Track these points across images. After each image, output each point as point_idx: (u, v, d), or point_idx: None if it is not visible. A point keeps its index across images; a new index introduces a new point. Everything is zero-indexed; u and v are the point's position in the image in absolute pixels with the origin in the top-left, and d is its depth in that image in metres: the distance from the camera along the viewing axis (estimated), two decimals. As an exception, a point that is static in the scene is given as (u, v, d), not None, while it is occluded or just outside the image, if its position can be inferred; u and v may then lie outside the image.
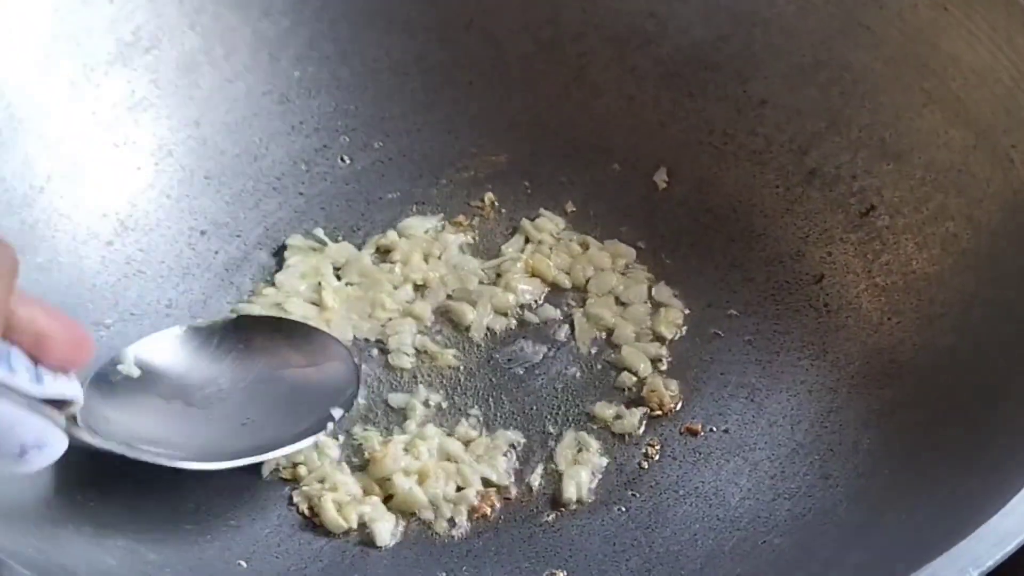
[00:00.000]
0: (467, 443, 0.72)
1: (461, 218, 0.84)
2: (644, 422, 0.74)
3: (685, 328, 0.78)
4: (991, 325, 0.69)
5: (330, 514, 0.68)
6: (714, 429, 0.73)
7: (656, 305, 0.79)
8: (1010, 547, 0.51)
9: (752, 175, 0.84)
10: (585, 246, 0.82)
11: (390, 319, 0.78)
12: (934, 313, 0.73)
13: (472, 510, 0.69)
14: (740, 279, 0.80)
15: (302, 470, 0.70)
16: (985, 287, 0.71)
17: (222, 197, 0.83)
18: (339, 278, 0.80)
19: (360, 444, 0.72)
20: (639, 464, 0.72)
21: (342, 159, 0.86)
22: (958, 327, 0.71)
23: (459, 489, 0.70)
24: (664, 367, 0.76)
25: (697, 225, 0.83)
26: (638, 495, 0.71)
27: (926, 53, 0.78)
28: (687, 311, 0.79)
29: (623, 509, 0.70)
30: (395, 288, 0.79)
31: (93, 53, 0.80)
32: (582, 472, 0.71)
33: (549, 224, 0.83)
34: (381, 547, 0.68)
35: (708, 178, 0.85)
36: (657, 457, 0.72)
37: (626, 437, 0.73)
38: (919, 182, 0.77)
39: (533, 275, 0.81)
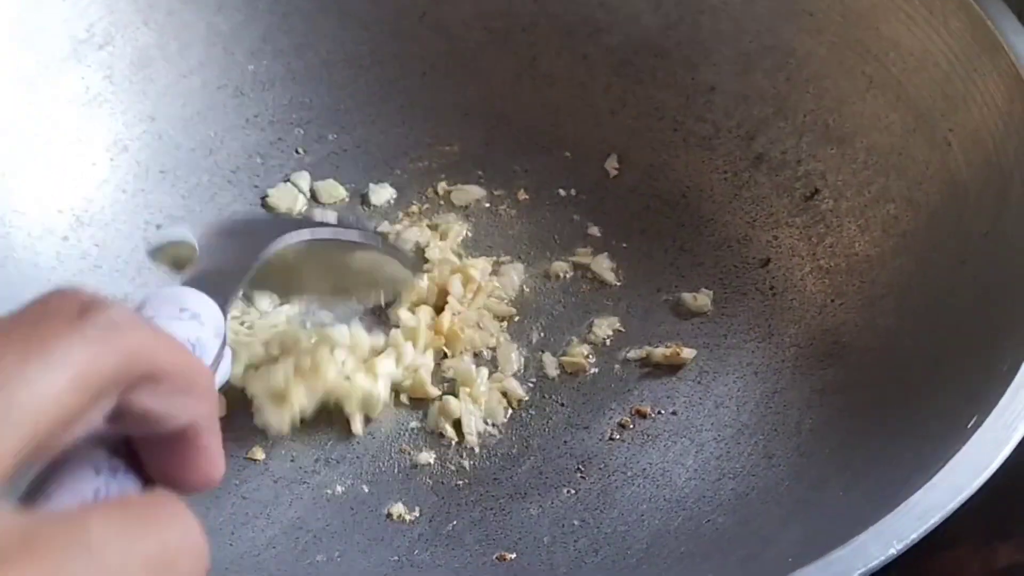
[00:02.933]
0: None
1: (414, 207, 0.85)
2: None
3: (634, 312, 0.79)
4: (928, 306, 0.71)
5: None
6: (662, 411, 0.75)
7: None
8: (933, 521, 0.53)
9: (701, 161, 0.85)
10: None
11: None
12: (875, 294, 0.75)
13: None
14: (689, 263, 0.82)
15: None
16: (924, 268, 0.73)
17: (177, 191, 0.84)
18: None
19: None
20: (589, 447, 0.73)
21: (297, 151, 0.87)
22: (898, 308, 0.73)
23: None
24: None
25: (647, 211, 0.84)
26: (587, 477, 0.72)
27: (868, 37, 0.79)
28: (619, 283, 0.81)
29: (572, 491, 0.71)
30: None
31: (46, 50, 0.81)
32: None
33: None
34: (333, 532, 0.69)
35: (658, 164, 0.86)
36: (605, 440, 0.73)
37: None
38: (861, 165, 0.79)
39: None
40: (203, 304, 0.52)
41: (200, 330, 0.51)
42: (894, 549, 0.52)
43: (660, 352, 0.76)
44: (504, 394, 0.76)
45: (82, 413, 0.31)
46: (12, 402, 0.29)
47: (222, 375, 0.54)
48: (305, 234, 0.66)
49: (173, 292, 0.52)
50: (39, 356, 0.31)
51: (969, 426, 0.57)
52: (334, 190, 0.86)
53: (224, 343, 0.53)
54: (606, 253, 0.82)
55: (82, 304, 0.33)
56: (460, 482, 0.72)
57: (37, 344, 0.32)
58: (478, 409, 0.74)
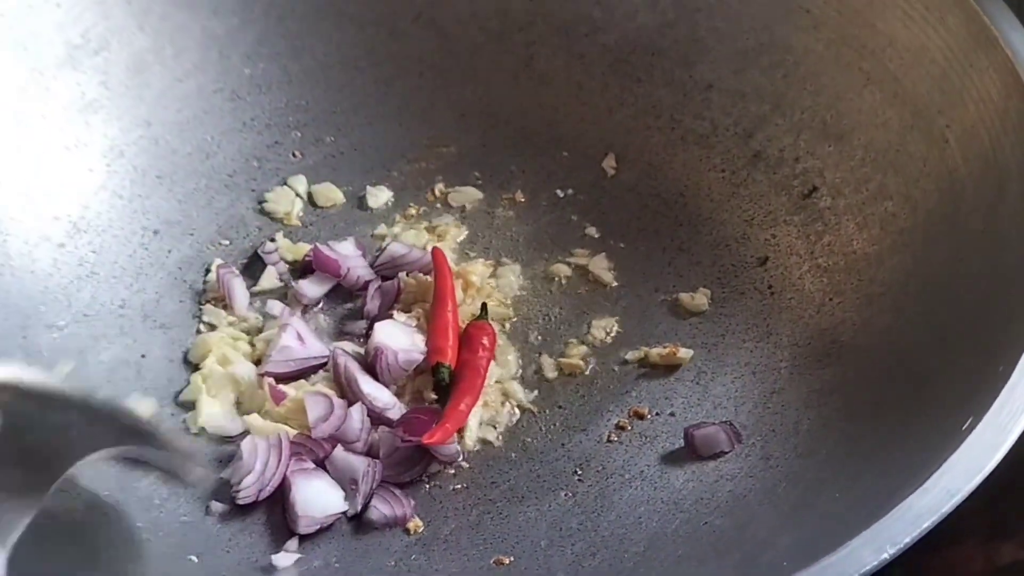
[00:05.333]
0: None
1: (412, 209, 0.85)
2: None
3: (632, 312, 0.79)
4: (926, 304, 0.70)
5: None
6: (660, 413, 0.74)
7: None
8: (926, 525, 0.52)
9: (699, 159, 0.85)
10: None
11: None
12: (873, 292, 0.74)
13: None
14: (687, 263, 0.81)
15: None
16: (921, 266, 0.72)
17: (174, 196, 0.84)
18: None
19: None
20: (586, 449, 0.73)
21: (294, 154, 0.87)
22: (896, 306, 0.72)
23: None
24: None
25: (645, 210, 0.84)
26: (584, 480, 0.72)
27: (864, 34, 0.78)
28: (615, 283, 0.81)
29: (570, 494, 0.71)
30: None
31: (41, 57, 0.81)
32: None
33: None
34: (330, 537, 0.69)
35: (656, 163, 0.86)
36: (603, 441, 0.73)
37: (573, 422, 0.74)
38: (859, 163, 0.78)
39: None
40: None
41: None
42: (887, 554, 0.52)
43: (657, 352, 0.76)
44: (505, 396, 0.75)
45: None
46: None
47: None
48: (103, 453, 0.61)
49: None
50: None
51: (964, 428, 0.56)
52: (331, 193, 0.86)
53: None
54: (604, 253, 0.82)
55: None
56: (457, 486, 0.71)
57: None
58: (484, 411, 0.74)
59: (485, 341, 0.75)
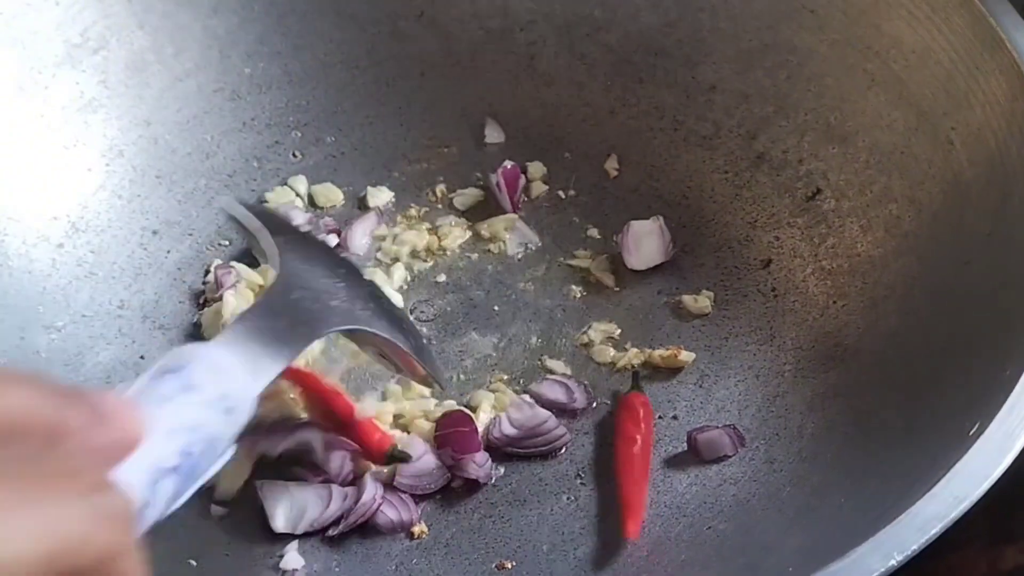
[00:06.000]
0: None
1: (413, 210, 0.85)
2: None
3: (634, 314, 0.79)
4: (931, 307, 0.70)
5: None
6: (663, 416, 0.74)
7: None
8: (934, 531, 0.52)
9: (702, 161, 0.84)
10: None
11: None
12: (878, 296, 0.74)
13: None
14: (690, 265, 0.81)
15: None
16: (926, 269, 0.72)
17: (174, 196, 0.83)
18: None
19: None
20: (588, 452, 0.72)
21: (294, 155, 0.87)
22: (901, 309, 0.72)
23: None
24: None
25: (648, 212, 0.83)
26: (587, 484, 0.71)
27: (869, 35, 0.78)
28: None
29: (572, 498, 0.70)
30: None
31: (40, 55, 0.80)
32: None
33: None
34: (331, 540, 0.68)
35: (659, 164, 0.85)
36: (605, 445, 0.73)
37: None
38: (863, 165, 0.78)
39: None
40: (234, 383, 0.46)
41: (227, 427, 0.45)
42: (894, 560, 0.51)
43: (659, 354, 0.75)
44: (506, 399, 0.75)
45: None
46: None
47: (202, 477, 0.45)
48: (368, 327, 0.63)
49: (211, 359, 0.46)
50: None
51: (971, 433, 0.56)
52: (331, 194, 0.85)
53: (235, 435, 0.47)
54: (605, 255, 0.81)
55: None
56: (459, 488, 0.71)
57: None
58: (484, 415, 0.74)
59: (643, 413, 0.72)
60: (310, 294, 0.61)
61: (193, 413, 0.43)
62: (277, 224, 0.68)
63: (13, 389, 0.31)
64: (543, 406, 0.73)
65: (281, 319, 0.56)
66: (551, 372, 0.76)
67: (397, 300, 0.71)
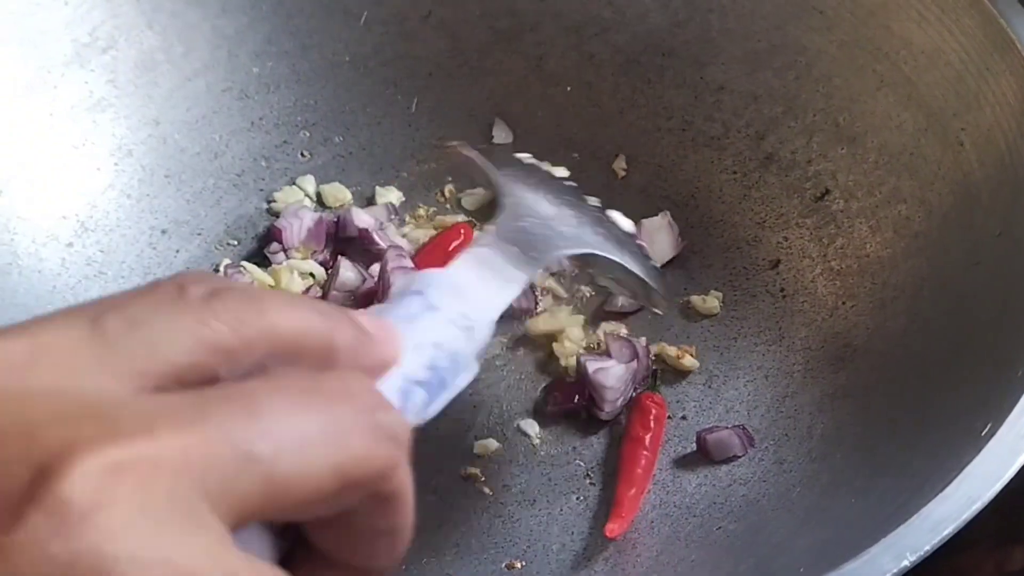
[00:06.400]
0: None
1: (421, 211, 0.85)
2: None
3: (642, 315, 0.79)
4: (941, 309, 0.70)
5: None
6: (672, 416, 0.74)
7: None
8: (946, 532, 0.52)
9: (710, 161, 0.84)
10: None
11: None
12: (887, 296, 0.74)
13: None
14: (698, 265, 0.81)
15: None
16: (936, 269, 0.72)
17: (183, 195, 0.83)
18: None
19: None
20: (598, 452, 0.72)
21: (302, 154, 0.87)
22: (910, 311, 0.72)
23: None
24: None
25: (656, 212, 0.83)
26: (596, 484, 0.71)
27: (879, 35, 0.78)
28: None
29: (581, 498, 0.71)
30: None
31: (49, 55, 0.80)
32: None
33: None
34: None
35: (667, 165, 0.85)
36: (615, 445, 0.73)
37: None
38: (872, 165, 0.78)
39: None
40: (473, 304, 0.47)
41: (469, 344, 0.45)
42: (907, 561, 0.51)
43: (667, 355, 0.76)
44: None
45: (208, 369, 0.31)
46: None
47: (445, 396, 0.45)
48: (598, 250, 0.64)
49: (451, 281, 0.47)
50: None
51: (983, 434, 0.56)
52: (339, 193, 0.85)
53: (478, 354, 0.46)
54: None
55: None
56: (468, 490, 0.71)
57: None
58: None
59: (654, 414, 0.72)
60: (539, 220, 0.61)
61: (438, 330, 0.44)
62: (504, 162, 0.68)
63: (287, 310, 0.32)
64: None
65: (513, 245, 0.56)
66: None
67: (626, 225, 0.70)
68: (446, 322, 0.44)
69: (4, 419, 0.26)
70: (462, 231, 0.81)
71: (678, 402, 0.75)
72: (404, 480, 0.32)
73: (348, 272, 0.79)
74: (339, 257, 0.80)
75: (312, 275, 0.80)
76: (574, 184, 0.67)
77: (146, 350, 0.29)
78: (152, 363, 0.29)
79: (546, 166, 0.70)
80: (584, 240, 0.63)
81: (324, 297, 0.79)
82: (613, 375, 0.72)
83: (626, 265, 0.65)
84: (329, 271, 0.80)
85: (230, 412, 0.28)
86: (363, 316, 0.37)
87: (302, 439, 0.29)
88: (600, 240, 0.64)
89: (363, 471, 0.30)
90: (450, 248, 0.80)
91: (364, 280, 0.79)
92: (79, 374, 0.28)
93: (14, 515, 0.24)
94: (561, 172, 0.81)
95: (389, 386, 0.38)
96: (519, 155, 0.68)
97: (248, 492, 0.28)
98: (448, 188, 0.86)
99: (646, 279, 0.66)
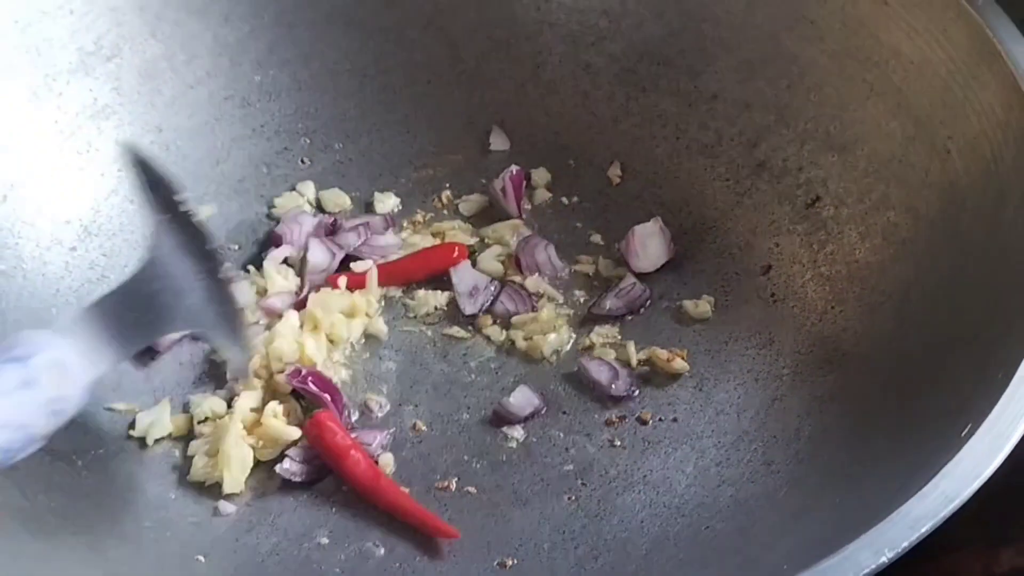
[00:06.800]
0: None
1: (419, 216, 0.86)
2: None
3: (635, 318, 0.80)
4: (926, 313, 0.71)
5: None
6: (663, 418, 0.75)
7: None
8: (924, 529, 0.53)
9: (703, 168, 0.86)
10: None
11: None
12: (875, 301, 0.75)
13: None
14: (691, 270, 0.82)
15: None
16: (923, 275, 0.73)
17: (185, 201, 0.84)
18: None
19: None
20: (589, 454, 0.74)
21: (303, 161, 0.88)
22: (897, 315, 0.73)
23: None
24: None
25: (650, 218, 0.85)
26: (588, 484, 0.72)
27: (869, 46, 0.79)
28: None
29: (573, 498, 0.72)
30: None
31: (54, 63, 0.82)
32: None
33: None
34: (336, 539, 0.70)
35: (661, 172, 0.87)
36: (607, 446, 0.74)
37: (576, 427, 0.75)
38: (862, 173, 0.79)
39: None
40: (70, 384, 0.46)
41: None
42: (885, 557, 0.52)
43: (658, 358, 0.77)
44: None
45: None
46: None
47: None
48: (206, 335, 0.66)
49: (56, 354, 0.46)
50: None
51: (963, 434, 0.57)
52: (339, 199, 0.87)
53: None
54: (609, 260, 0.83)
55: None
56: (461, 489, 0.72)
57: None
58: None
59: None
60: (171, 288, 0.62)
61: (27, 412, 0.43)
62: (164, 199, 0.67)
63: None
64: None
65: (133, 311, 0.57)
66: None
67: (245, 299, 0.74)
68: (37, 405, 0.44)
69: None
70: (456, 251, 0.82)
71: (669, 405, 0.76)
72: None
73: (317, 253, 0.81)
74: (308, 239, 0.82)
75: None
76: (215, 247, 0.66)
77: None
78: None
79: (202, 211, 0.70)
80: (200, 321, 0.64)
81: (301, 282, 0.81)
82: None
83: (225, 349, 0.67)
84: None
85: None
86: None
87: None
88: (213, 322, 0.65)
89: None
90: (437, 267, 0.82)
91: (334, 255, 0.82)
92: None
93: None
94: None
95: None
96: (179, 197, 0.67)
97: None
98: (445, 194, 0.87)
99: (237, 361, 0.69)
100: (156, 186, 0.66)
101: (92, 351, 0.50)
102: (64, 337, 0.48)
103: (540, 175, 0.87)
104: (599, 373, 0.76)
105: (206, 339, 0.64)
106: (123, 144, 0.69)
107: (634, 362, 0.77)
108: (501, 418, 0.75)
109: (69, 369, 0.46)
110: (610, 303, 0.80)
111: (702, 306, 0.80)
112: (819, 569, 0.52)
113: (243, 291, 0.69)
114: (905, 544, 0.53)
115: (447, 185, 0.88)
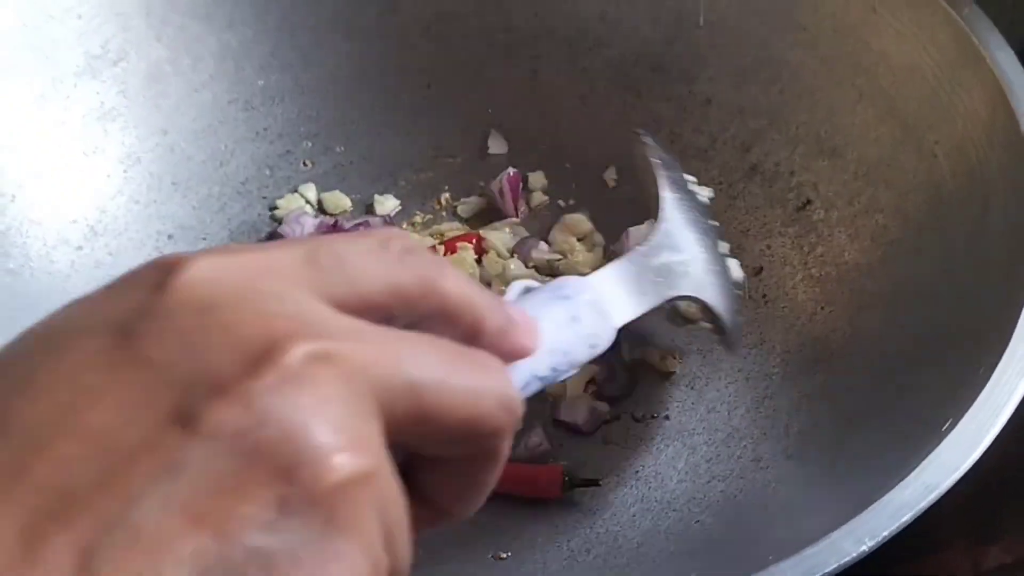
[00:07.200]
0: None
1: (417, 217, 0.88)
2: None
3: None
4: (913, 312, 0.72)
5: None
6: (655, 416, 0.77)
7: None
8: (905, 519, 0.54)
9: (697, 172, 0.86)
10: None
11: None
12: (863, 303, 0.76)
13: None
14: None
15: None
16: (910, 276, 0.74)
17: (189, 202, 0.86)
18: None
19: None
20: (583, 450, 0.75)
21: (304, 163, 0.90)
22: (885, 315, 0.75)
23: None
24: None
25: (644, 221, 0.86)
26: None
27: (859, 51, 0.80)
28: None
29: (566, 492, 0.73)
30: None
31: (61, 66, 0.83)
32: None
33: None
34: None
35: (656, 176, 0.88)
36: (600, 443, 0.75)
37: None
38: (852, 176, 0.80)
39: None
40: (606, 321, 0.50)
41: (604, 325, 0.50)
42: (866, 546, 0.53)
43: (651, 358, 0.78)
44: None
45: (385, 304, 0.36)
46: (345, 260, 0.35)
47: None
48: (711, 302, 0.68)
49: (597, 295, 0.50)
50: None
51: (944, 428, 0.58)
52: (340, 201, 0.88)
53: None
54: (605, 262, 0.84)
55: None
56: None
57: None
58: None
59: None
60: (680, 259, 0.66)
61: (571, 342, 0.48)
62: (674, 181, 0.73)
63: (460, 282, 0.38)
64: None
65: (650, 273, 0.61)
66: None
67: (737, 275, 0.73)
68: (580, 337, 0.49)
69: (248, 307, 0.32)
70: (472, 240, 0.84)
71: (661, 403, 0.77)
72: (506, 447, 0.38)
73: None
74: None
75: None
76: (717, 224, 0.71)
77: (347, 281, 0.35)
78: (350, 293, 0.35)
79: (704, 192, 0.74)
80: (706, 290, 0.67)
81: None
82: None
83: (723, 318, 0.69)
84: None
85: (405, 348, 0.34)
86: (516, 309, 0.42)
87: (451, 387, 0.35)
88: (717, 293, 0.68)
89: (485, 426, 0.36)
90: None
91: None
92: (296, 287, 0.34)
93: (253, 369, 0.30)
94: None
95: (517, 374, 0.43)
96: (688, 176, 0.73)
97: (402, 411, 0.33)
98: (444, 196, 0.89)
99: (731, 329, 0.70)
100: (669, 166, 0.73)
101: (620, 298, 0.55)
102: (604, 282, 0.53)
103: (536, 178, 0.89)
104: (576, 416, 0.77)
105: (706, 306, 0.68)
106: (635, 132, 0.75)
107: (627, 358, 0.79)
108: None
109: (605, 310, 0.51)
110: None
111: (694, 306, 0.81)
112: (801, 557, 0.53)
113: (735, 268, 0.71)
114: (886, 533, 0.54)
115: (446, 187, 0.90)
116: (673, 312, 0.82)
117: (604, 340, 0.51)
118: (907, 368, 0.69)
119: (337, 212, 0.88)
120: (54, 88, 0.83)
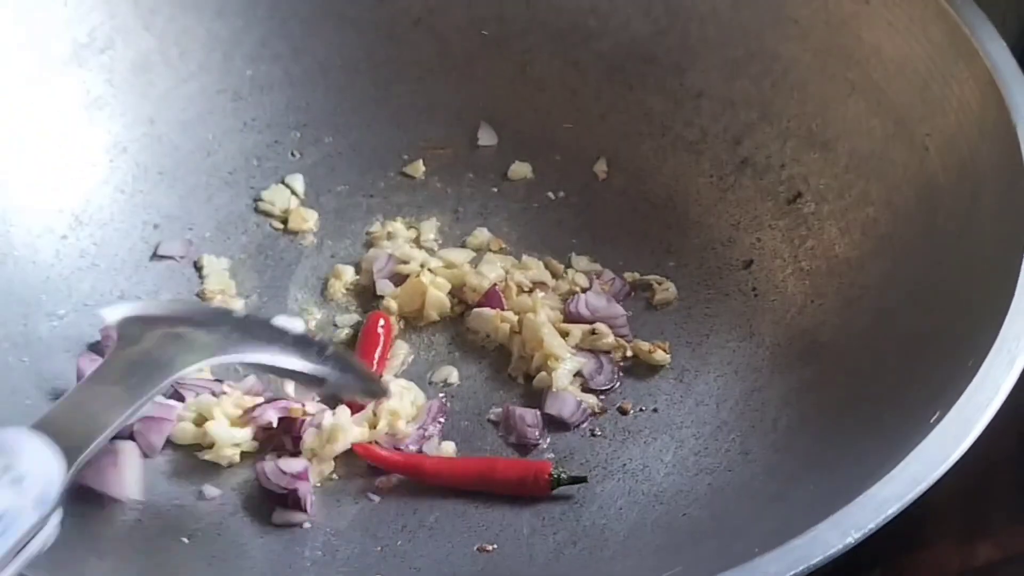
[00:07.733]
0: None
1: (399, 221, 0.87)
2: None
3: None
4: (903, 306, 0.72)
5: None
6: (643, 409, 0.76)
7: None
8: (890, 511, 0.54)
9: (688, 165, 0.87)
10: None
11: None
12: (853, 295, 0.76)
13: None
14: (674, 265, 0.83)
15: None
16: (900, 269, 0.74)
17: (175, 192, 0.86)
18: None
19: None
20: (571, 442, 0.75)
21: (293, 154, 0.89)
22: (874, 308, 0.74)
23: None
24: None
25: (635, 214, 0.86)
26: (568, 472, 0.73)
27: (850, 44, 0.80)
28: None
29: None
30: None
31: (48, 54, 0.83)
32: None
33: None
34: (318, 524, 0.70)
35: (646, 168, 0.88)
36: (587, 436, 0.75)
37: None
38: (843, 169, 0.80)
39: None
40: (37, 460, 0.49)
41: (16, 498, 0.48)
42: (851, 538, 0.53)
43: (639, 350, 0.78)
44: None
45: None
46: None
47: (34, 548, 0.49)
48: (234, 358, 0.66)
49: (7, 440, 0.49)
50: None
51: (932, 421, 0.58)
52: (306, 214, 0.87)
53: (51, 511, 0.50)
54: (586, 256, 0.84)
55: None
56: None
57: None
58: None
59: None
60: (161, 337, 0.63)
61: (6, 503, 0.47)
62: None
63: None
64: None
65: (123, 379, 0.59)
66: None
67: (297, 326, 0.75)
68: (27, 501, 0.47)
69: None
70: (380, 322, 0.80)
71: (650, 395, 0.77)
72: None
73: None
74: None
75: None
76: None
77: None
78: None
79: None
80: (218, 347, 0.64)
81: None
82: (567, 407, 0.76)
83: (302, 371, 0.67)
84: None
85: None
86: None
87: None
88: (238, 341, 0.65)
89: None
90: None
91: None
92: None
93: None
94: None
95: None
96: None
97: None
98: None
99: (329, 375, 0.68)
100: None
101: (70, 439, 0.54)
102: (41, 437, 0.52)
103: (521, 168, 0.89)
104: (562, 408, 0.76)
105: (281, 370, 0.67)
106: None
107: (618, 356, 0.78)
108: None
109: (49, 465, 0.50)
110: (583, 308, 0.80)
111: (667, 289, 0.81)
112: (787, 548, 0.53)
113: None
114: (872, 526, 0.54)
115: (436, 179, 0.89)
116: (650, 301, 0.81)
117: (53, 494, 0.48)
118: (897, 361, 0.69)
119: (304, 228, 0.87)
120: (40, 76, 0.82)
